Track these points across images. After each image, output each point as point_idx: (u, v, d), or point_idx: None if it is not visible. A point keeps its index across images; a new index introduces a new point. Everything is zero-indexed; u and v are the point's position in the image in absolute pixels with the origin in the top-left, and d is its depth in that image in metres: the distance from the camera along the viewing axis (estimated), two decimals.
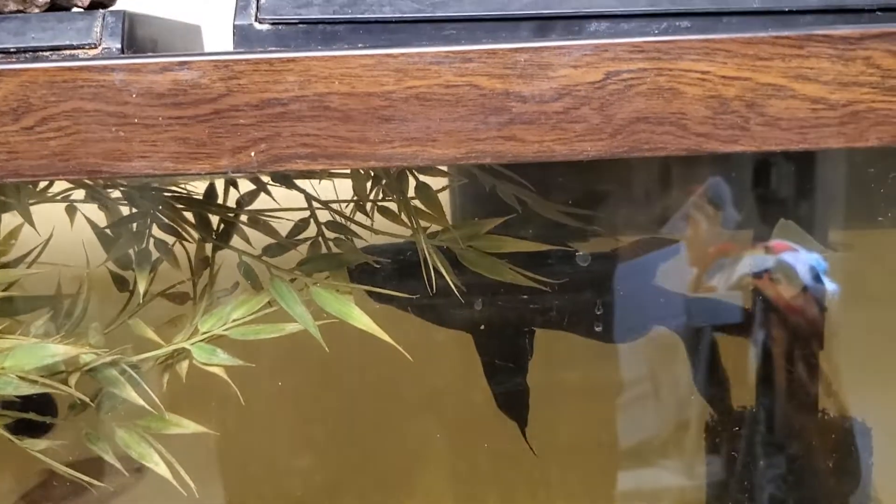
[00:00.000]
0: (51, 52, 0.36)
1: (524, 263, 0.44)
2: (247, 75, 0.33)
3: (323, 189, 0.46)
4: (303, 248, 0.45)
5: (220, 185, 0.46)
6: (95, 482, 0.43)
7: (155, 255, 0.44)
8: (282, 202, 0.46)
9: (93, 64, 0.33)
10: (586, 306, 0.50)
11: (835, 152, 0.54)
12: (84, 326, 0.43)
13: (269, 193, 0.45)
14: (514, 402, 0.51)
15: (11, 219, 0.46)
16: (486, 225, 0.44)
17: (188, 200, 0.45)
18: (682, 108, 0.33)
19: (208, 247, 0.45)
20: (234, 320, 0.41)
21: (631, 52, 0.32)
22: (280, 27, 0.36)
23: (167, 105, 0.33)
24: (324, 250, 0.44)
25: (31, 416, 0.43)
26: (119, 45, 0.36)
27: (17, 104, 0.33)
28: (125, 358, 0.41)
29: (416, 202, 0.44)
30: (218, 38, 0.44)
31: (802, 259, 0.56)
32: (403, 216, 0.44)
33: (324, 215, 0.46)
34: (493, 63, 0.33)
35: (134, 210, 0.45)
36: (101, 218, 0.46)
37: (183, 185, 0.46)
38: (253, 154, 0.33)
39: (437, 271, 0.42)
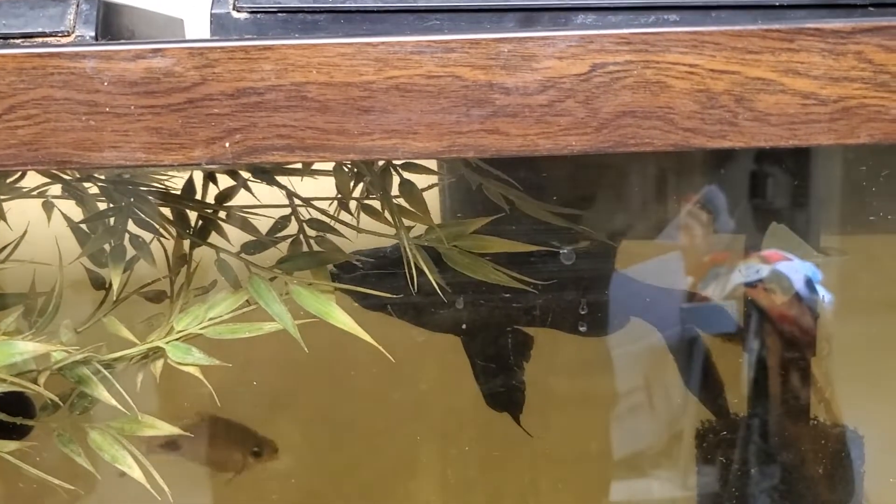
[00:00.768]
0: (22, 40, 0.35)
1: (508, 261, 0.43)
2: (221, 63, 0.32)
3: (306, 187, 0.45)
4: (283, 247, 0.44)
5: (198, 180, 0.45)
6: (66, 485, 0.41)
7: (131, 252, 0.43)
8: (262, 199, 0.45)
9: (63, 51, 0.32)
10: (568, 303, 0.49)
11: (827, 155, 0.54)
12: (56, 324, 0.41)
13: (248, 190, 0.44)
14: (507, 399, 0.51)
15: None
16: (473, 224, 0.43)
17: (166, 196, 0.43)
18: (670, 102, 0.32)
19: (186, 244, 0.44)
20: (210, 319, 0.40)
21: (617, 44, 0.32)
22: (258, 16, 0.35)
23: (139, 94, 0.32)
24: (305, 248, 0.43)
25: (2, 416, 0.42)
26: (93, 34, 0.35)
27: None
28: (97, 356, 0.39)
29: (401, 201, 0.43)
30: (201, 32, 0.43)
31: (796, 268, 0.56)
32: (387, 214, 0.43)
33: (307, 214, 0.45)
34: (476, 53, 0.32)
35: (110, 205, 0.44)
36: (78, 214, 0.45)
37: (162, 181, 0.45)
38: (228, 145, 0.32)
39: (420, 271, 0.41)
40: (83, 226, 0.44)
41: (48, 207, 0.46)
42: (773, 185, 0.54)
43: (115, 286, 0.41)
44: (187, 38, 0.47)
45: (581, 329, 0.50)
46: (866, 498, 0.56)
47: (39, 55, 0.32)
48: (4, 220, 0.44)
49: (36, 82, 0.32)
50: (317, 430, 0.56)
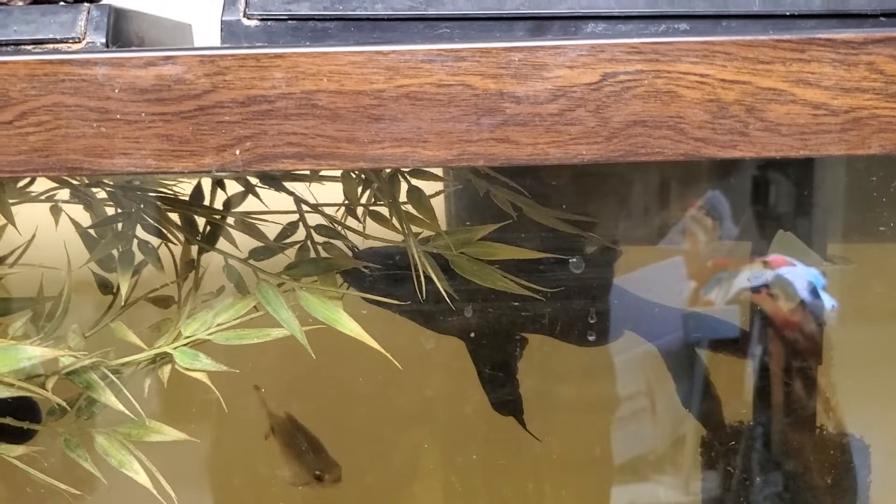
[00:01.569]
0: (33, 46, 0.35)
1: (516, 269, 0.43)
2: (232, 71, 0.32)
3: (314, 193, 0.45)
4: (291, 253, 0.44)
5: (206, 186, 0.45)
6: (73, 490, 0.41)
7: (139, 257, 0.43)
8: (270, 205, 0.45)
9: (75, 57, 0.32)
10: (575, 312, 0.49)
11: (834, 163, 0.54)
12: (64, 329, 0.41)
13: (256, 195, 0.44)
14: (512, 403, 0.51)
15: None
16: (480, 231, 0.43)
17: (174, 201, 0.44)
18: (680, 112, 0.32)
19: (194, 249, 0.44)
20: (218, 324, 0.40)
21: (628, 54, 0.32)
22: (269, 23, 0.35)
23: (150, 101, 0.32)
24: (313, 254, 0.43)
25: (9, 421, 0.42)
26: (104, 40, 0.35)
27: None
28: (105, 362, 0.39)
29: (409, 207, 0.43)
30: (209, 38, 0.43)
31: (801, 274, 0.56)
32: (395, 221, 0.43)
33: (314, 220, 0.45)
34: (486, 62, 0.32)
35: (119, 210, 0.44)
36: (86, 219, 0.45)
37: (170, 186, 0.45)
38: (238, 152, 0.32)
39: (428, 277, 0.41)
40: (91, 231, 0.44)
41: (56, 212, 0.46)
42: (778, 192, 0.54)
43: (123, 291, 0.41)
44: (196, 44, 0.47)
45: (590, 339, 0.50)
46: None
47: (51, 62, 0.32)
48: (13, 224, 0.44)
49: (47, 89, 0.32)
50: (324, 436, 0.56)
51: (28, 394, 0.39)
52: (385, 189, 0.43)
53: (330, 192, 0.45)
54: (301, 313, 0.40)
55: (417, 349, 0.51)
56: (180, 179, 0.45)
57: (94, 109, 0.32)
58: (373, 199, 0.45)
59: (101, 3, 0.37)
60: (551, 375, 0.56)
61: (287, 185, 0.44)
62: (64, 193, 0.46)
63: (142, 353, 0.40)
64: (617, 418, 0.60)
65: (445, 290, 0.41)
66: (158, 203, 0.43)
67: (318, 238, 0.44)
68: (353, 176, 0.45)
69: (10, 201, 0.44)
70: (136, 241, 0.43)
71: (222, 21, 0.35)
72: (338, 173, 0.45)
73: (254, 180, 0.44)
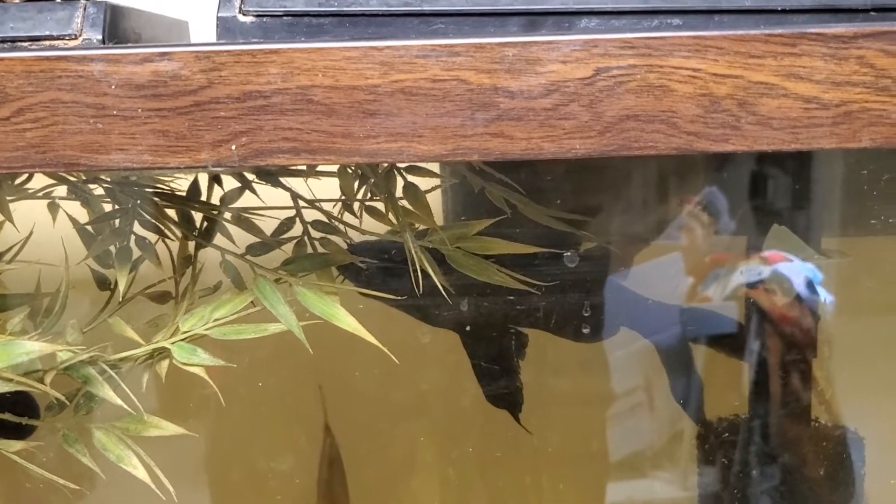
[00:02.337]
0: (29, 43, 0.35)
1: (511, 264, 0.43)
2: (228, 67, 0.32)
3: (310, 189, 0.45)
4: (288, 248, 0.44)
5: (203, 181, 0.45)
6: (71, 485, 0.42)
7: (136, 253, 0.44)
8: (267, 201, 0.45)
9: (71, 54, 0.32)
10: (570, 307, 0.50)
11: (828, 158, 0.54)
12: (62, 325, 0.42)
13: (253, 191, 0.45)
14: (507, 397, 0.51)
15: None
16: (476, 226, 0.43)
17: (171, 197, 0.44)
18: (673, 106, 0.32)
19: (191, 245, 0.44)
20: (215, 320, 0.40)
21: (621, 49, 0.32)
22: (264, 19, 0.35)
23: (146, 97, 0.32)
24: (309, 250, 0.43)
25: (7, 416, 0.42)
26: (100, 37, 0.36)
27: None
28: (103, 356, 0.40)
29: (405, 202, 0.44)
30: (206, 35, 0.43)
31: (797, 269, 0.56)
32: (391, 216, 0.43)
33: (311, 215, 0.45)
34: (480, 57, 0.32)
35: (116, 207, 0.44)
36: (84, 216, 0.46)
37: (167, 182, 0.45)
38: (234, 148, 0.33)
39: (424, 272, 0.41)
40: (89, 228, 0.44)
41: (53, 209, 0.46)
42: (773, 186, 0.55)
43: (121, 287, 0.41)
44: (192, 41, 0.48)
45: (585, 332, 0.50)
46: (867, 499, 0.56)
47: (47, 58, 0.32)
48: (11, 221, 0.44)
49: (44, 85, 0.32)
50: (320, 431, 0.56)
51: (26, 388, 0.39)
52: (381, 185, 0.43)
53: (326, 188, 0.46)
54: (298, 308, 0.40)
55: (413, 343, 0.51)
56: (177, 176, 0.45)
57: (90, 105, 0.33)
58: (369, 195, 0.45)
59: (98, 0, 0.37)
60: (548, 370, 0.56)
61: (284, 180, 0.44)
62: (61, 190, 0.46)
63: (139, 348, 0.41)
64: (614, 412, 0.60)
65: (441, 284, 0.42)
66: (156, 199, 0.43)
67: (315, 233, 0.44)
68: (350, 171, 0.45)
69: (8, 198, 0.44)
70: (133, 237, 0.43)
71: (218, 17, 0.35)
72: (334, 169, 0.45)
73: (250, 176, 0.45)
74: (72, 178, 0.44)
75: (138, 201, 0.43)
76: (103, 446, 0.41)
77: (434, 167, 0.47)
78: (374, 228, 0.45)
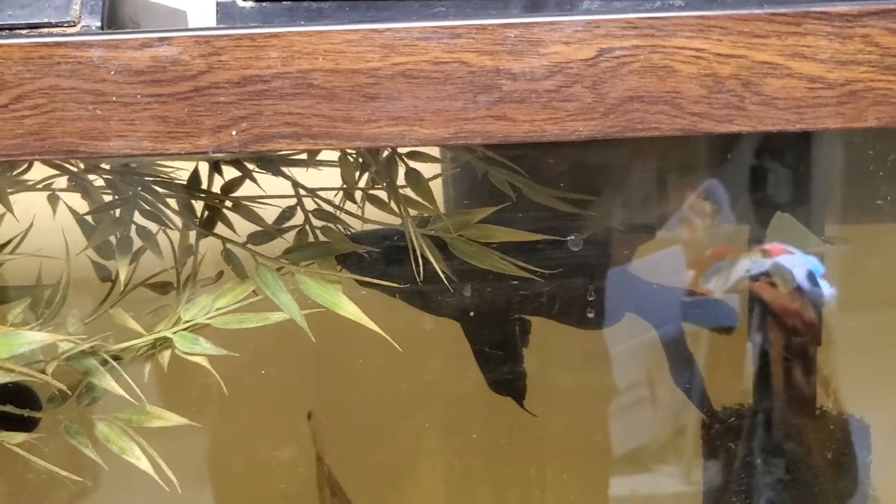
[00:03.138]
0: (28, 30, 0.35)
1: (514, 249, 0.43)
2: (228, 51, 0.32)
3: (311, 177, 0.45)
4: (289, 237, 0.44)
5: (204, 170, 0.45)
6: (74, 476, 0.42)
7: (138, 243, 0.43)
8: (269, 190, 0.45)
9: (70, 40, 0.32)
10: (574, 291, 0.49)
11: (830, 143, 0.53)
12: (63, 316, 0.41)
13: (254, 180, 0.44)
14: (510, 383, 0.51)
15: None
16: (478, 214, 0.43)
17: (171, 186, 0.43)
18: (677, 87, 0.32)
19: (192, 235, 0.44)
20: (217, 309, 0.40)
21: (624, 29, 0.32)
22: (264, 4, 0.35)
23: (146, 83, 0.32)
24: (311, 238, 0.43)
25: (9, 409, 0.42)
26: (99, 24, 0.35)
27: None
28: (105, 346, 0.39)
29: (407, 190, 0.43)
30: (205, 24, 0.43)
31: (799, 261, 0.56)
32: (393, 204, 0.43)
33: (313, 204, 0.45)
34: (482, 39, 0.32)
35: (116, 197, 0.44)
36: (84, 208, 0.45)
37: (168, 172, 0.45)
38: (234, 133, 0.32)
39: (426, 260, 0.41)
40: (89, 218, 0.44)
41: (53, 200, 0.46)
42: (776, 175, 0.54)
43: (122, 277, 0.41)
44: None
45: (589, 317, 0.50)
46: (873, 487, 0.56)
47: (46, 44, 0.32)
48: (11, 212, 0.44)
49: (42, 72, 0.32)
50: (324, 420, 0.56)
51: (28, 379, 0.39)
52: (382, 172, 0.43)
53: (328, 178, 0.45)
54: (300, 297, 0.40)
55: (415, 331, 0.51)
56: (178, 167, 0.45)
57: (89, 92, 0.32)
58: (371, 183, 0.45)
59: None
60: (550, 357, 0.56)
61: (284, 169, 0.44)
62: (61, 182, 0.46)
63: (141, 338, 0.40)
64: (620, 403, 0.60)
65: (443, 272, 0.41)
66: (156, 188, 0.43)
67: (317, 222, 0.44)
68: (351, 160, 0.45)
69: (8, 190, 0.44)
70: (133, 227, 0.43)
71: (218, 3, 0.35)
72: (335, 158, 0.45)
73: (251, 165, 0.44)
74: (72, 168, 0.44)
75: (139, 190, 0.43)
76: (106, 438, 0.41)
77: (436, 153, 0.47)
78: (377, 218, 0.45)
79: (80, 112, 0.32)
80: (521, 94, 0.32)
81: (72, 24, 0.35)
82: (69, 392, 0.40)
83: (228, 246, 0.42)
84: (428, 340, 0.53)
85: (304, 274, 0.40)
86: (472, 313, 0.49)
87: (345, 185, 0.44)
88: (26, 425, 0.43)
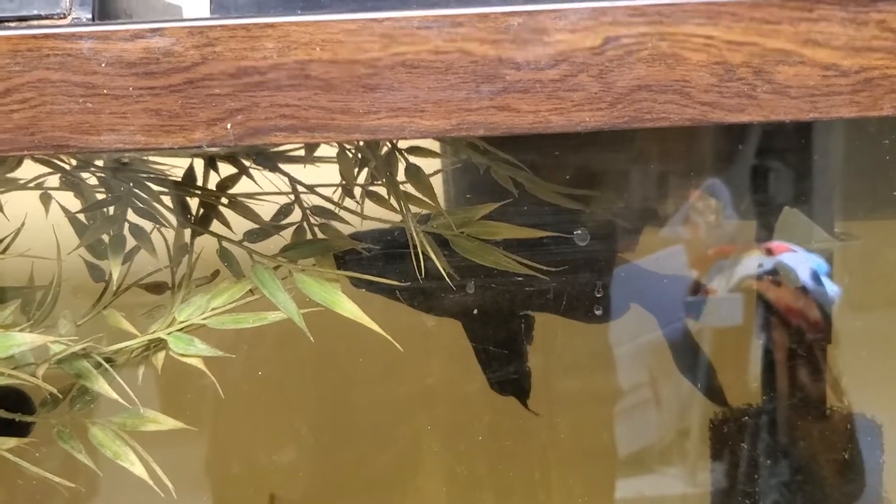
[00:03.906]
0: (17, 23, 0.34)
1: (518, 245, 0.42)
2: (222, 42, 0.31)
3: (309, 174, 0.44)
4: (286, 234, 0.42)
5: (199, 167, 0.44)
6: (67, 483, 0.40)
7: (132, 242, 0.42)
8: (266, 187, 0.44)
9: (59, 31, 0.31)
10: (570, 287, 0.48)
11: (840, 135, 0.52)
12: (55, 317, 0.40)
13: (250, 176, 0.43)
14: (514, 383, 0.50)
15: None
16: (481, 210, 0.42)
17: (166, 183, 0.42)
18: (686, 76, 0.31)
19: (187, 233, 0.42)
20: (213, 309, 0.39)
21: (631, 16, 0.31)
22: None
23: (138, 75, 0.31)
24: (309, 236, 0.42)
25: (2, 413, 0.41)
26: (89, 16, 0.34)
27: None
28: (98, 348, 0.38)
29: (408, 187, 0.42)
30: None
31: (803, 260, 0.55)
32: (392, 200, 0.42)
33: (311, 201, 0.44)
34: (484, 28, 0.31)
35: (109, 195, 0.43)
36: (77, 206, 0.44)
37: (163, 169, 0.44)
38: (229, 126, 0.31)
39: (427, 258, 0.40)
40: (81, 216, 0.43)
41: (46, 199, 0.45)
42: (784, 169, 0.53)
43: (115, 276, 0.40)
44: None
45: (597, 312, 0.49)
46: (886, 488, 0.55)
47: (34, 36, 0.31)
48: (2, 211, 0.43)
49: (31, 64, 0.31)
50: (322, 421, 0.54)
51: (18, 381, 0.38)
52: (382, 167, 0.42)
53: (326, 174, 0.44)
54: (299, 295, 0.39)
55: (416, 330, 0.50)
56: (173, 164, 0.44)
57: (79, 85, 0.31)
58: (370, 179, 0.44)
59: None
60: (555, 356, 0.55)
61: (282, 166, 0.43)
62: (54, 181, 0.45)
63: (135, 339, 0.39)
64: (624, 402, 0.59)
65: (445, 270, 0.40)
66: (150, 185, 0.42)
67: (315, 219, 0.42)
68: (350, 155, 0.43)
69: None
70: (127, 225, 0.42)
71: None
72: (333, 154, 0.44)
73: (247, 162, 0.43)
74: (63, 165, 0.43)
75: (132, 186, 0.42)
76: (99, 442, 0.40)
77: (436, 148, 0.45)
78: (377, 215, 0.44)
79: (71, 105, 0.31)
80: (525, 84, 0.31)
81: (62, 15, 0.34)
82: (59, 396, 0.39)
83: (224, 244, 0.41)
84: (429, 340, 0.52)
85: (303, 272, 0.39)
86: (474, 311, 0.48)
87: (344, 182, 0.43)
88: (21, 430, 0.42)
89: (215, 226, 0.43)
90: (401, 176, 0.43)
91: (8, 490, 0.54)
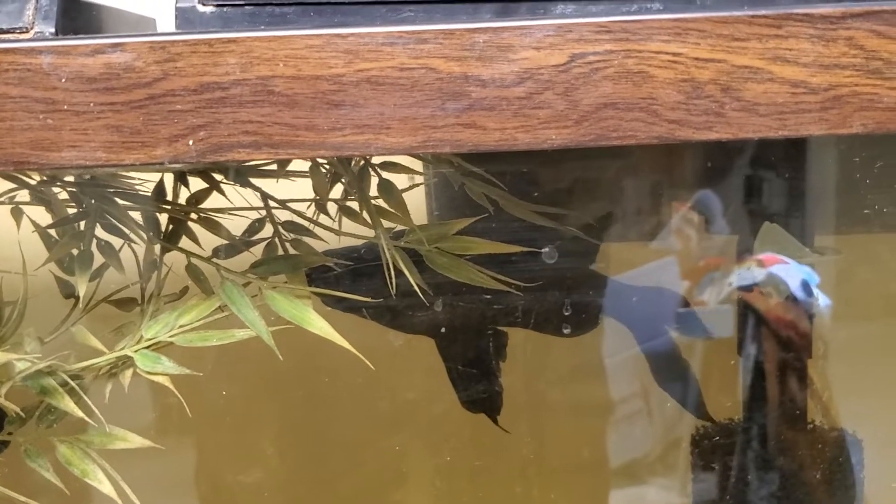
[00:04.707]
0: None
1: (489, 261, 0.41)
2: (184, 58, 0.30)
3: (282, 189, 0.44)
4: (257, 250, 0.42)
5: (169, 182, 0.43)
6: (33, 502, 0.40)
7: (101, 258, 0.42)
8: (237, 202, 0.43)
9: (18, 46, 0.31)
10: (551, 304, 0.48)
11: (820, 151, 0.52)
12: (20, 334, 0.40)
13: (221, 192, 0.43)
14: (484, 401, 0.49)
15: None
16: (456, 225, 0.42)
17: (136, 199, 0.42)
18: (653, 93, 0.30)
19: (157, 249, 0.42)
20: (181, 326, 0.38)
21: (597, 33, 0.30)
22: (225, 9, 0.33)
23: (99, 90, 0.31)
24: (280, 252, 0.42)
25: None
26: (53, 30, 0.34)
27: None
28: (63, 366, 0.38)
29: (381, 201, 0.42)
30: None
31: (793, 272, 0.55)
32: (365, 215, 0.42)
33: (284, 217, 0.43)
34: (450, 44, 0.30)
35: (80, 210, 0.42)
36: (49, 221, 0.44)
37: (132, 184, 0.43)
38: (191, 143, 0.31)
39: (399, 273, 0.40)
40: (52, 231, 0.43)
41: (17, 214, 0.45)
42: (764, 185, 0.53)
43: (81, 293, 0.40)
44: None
45: (565, 331, 0.48)
46: (867, 503, 0.54)
47: None
48: None
49: None
50: (293, 440, 0.54)
51: None
52: (354, 182, 0.42)
53: (299, 189, 0.44)
54: (269, 312, 0.39)
55: (387, 347, 0.49)
56: (143, 178, 0.44)
57: (39, 100, 0.31)
58: (344, 195, 0.43)
59: None
60: (531, 371, 0.54)
61: (254, 181, 0.43)
62: (25, 195, 0.44)
63: (102, 356, 0.39)
64: (613, 416, 0.58)
65: (418, 286, 0.40)
66: (119, 201, 0.42)
67: (286, 235, 0.42)
68: (323, 171, 0.43)
69: None
70: (95, 241, 0.42)
71: (177, 8, 0.34)
72: (306, 168, 0.43)
73: (218, 177, 0.43)
74: (28, 181, 0.42)
75: (100, 203, 0.41)
76: (67, 461, 0.39)
77: (417, 165, 0.45)
78: (349, 230, 0.43)
79: (31, 121, 0.31)
80: (490, 102, 0.31)
81: (24, 30, 0.34)
82: (22, 414, 0.38)
83: (193, 260, 0.41)
84: (401, 358, 0.52)
85: (273, 289, 0.39)
86: (443, 329, 0.47)
87: (317, 197, 0.43)
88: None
89: (185, 242, 0.42)
90: (374, 191, 0.42)
91: None
